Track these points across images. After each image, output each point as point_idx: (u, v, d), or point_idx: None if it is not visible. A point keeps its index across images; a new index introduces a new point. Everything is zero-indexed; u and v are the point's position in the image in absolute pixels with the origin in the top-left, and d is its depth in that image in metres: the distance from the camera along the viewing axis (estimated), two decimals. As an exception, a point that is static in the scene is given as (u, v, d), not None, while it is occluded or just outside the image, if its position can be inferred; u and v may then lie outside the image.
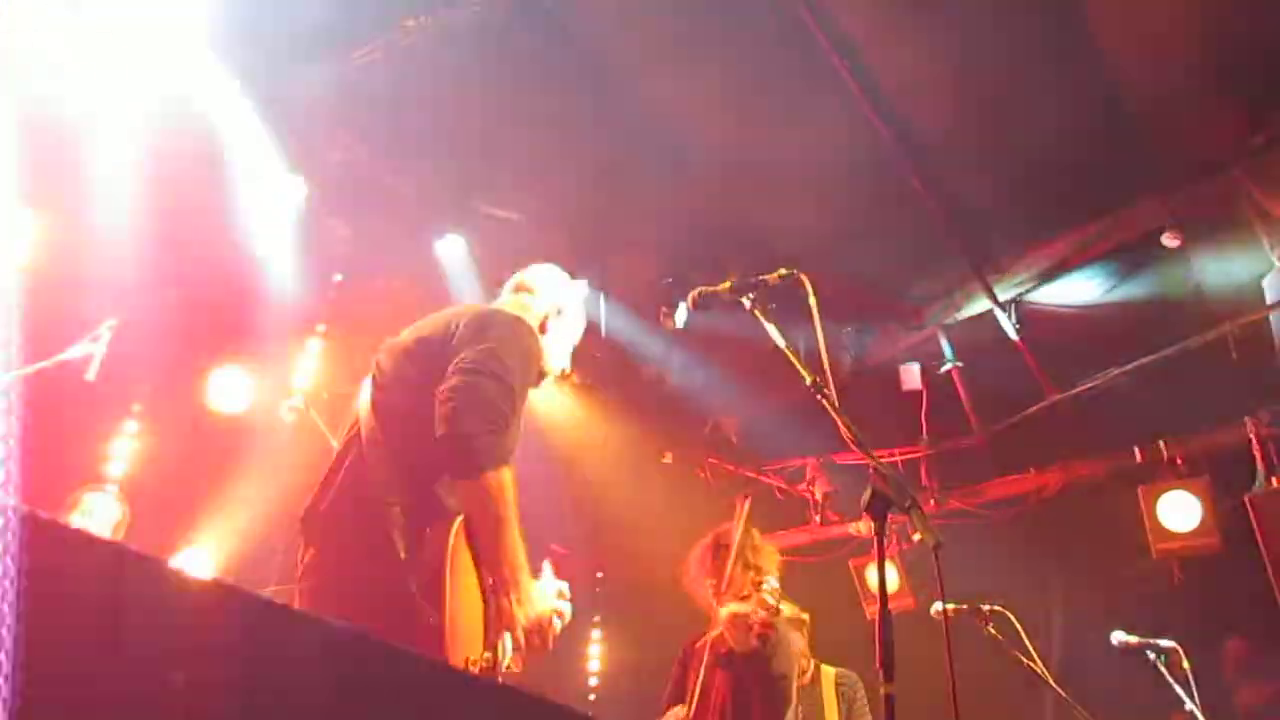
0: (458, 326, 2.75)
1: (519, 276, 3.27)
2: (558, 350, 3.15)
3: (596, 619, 7.56)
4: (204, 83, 5.07)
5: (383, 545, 2.46)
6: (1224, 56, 5.07)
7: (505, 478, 2.53)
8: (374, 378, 2.82)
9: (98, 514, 4.45)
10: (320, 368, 5.94)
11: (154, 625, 0.85)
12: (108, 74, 4.85)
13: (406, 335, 2.89)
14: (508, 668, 2.63)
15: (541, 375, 3.09)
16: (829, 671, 4.74)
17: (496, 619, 2.54)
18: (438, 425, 2.48)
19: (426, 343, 2.79)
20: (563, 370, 3.19)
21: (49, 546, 0.80)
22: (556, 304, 3.17)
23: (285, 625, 0.96)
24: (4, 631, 0.74)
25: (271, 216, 5.73)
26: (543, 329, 3.10)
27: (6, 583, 0.76)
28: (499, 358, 2.60)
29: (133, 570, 0.84)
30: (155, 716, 0.83)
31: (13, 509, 0.77)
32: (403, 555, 2.44)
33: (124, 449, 5.46)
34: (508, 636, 2.60)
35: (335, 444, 2.97)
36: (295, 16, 4.97)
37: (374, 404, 2.74)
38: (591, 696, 7.22)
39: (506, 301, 3.19)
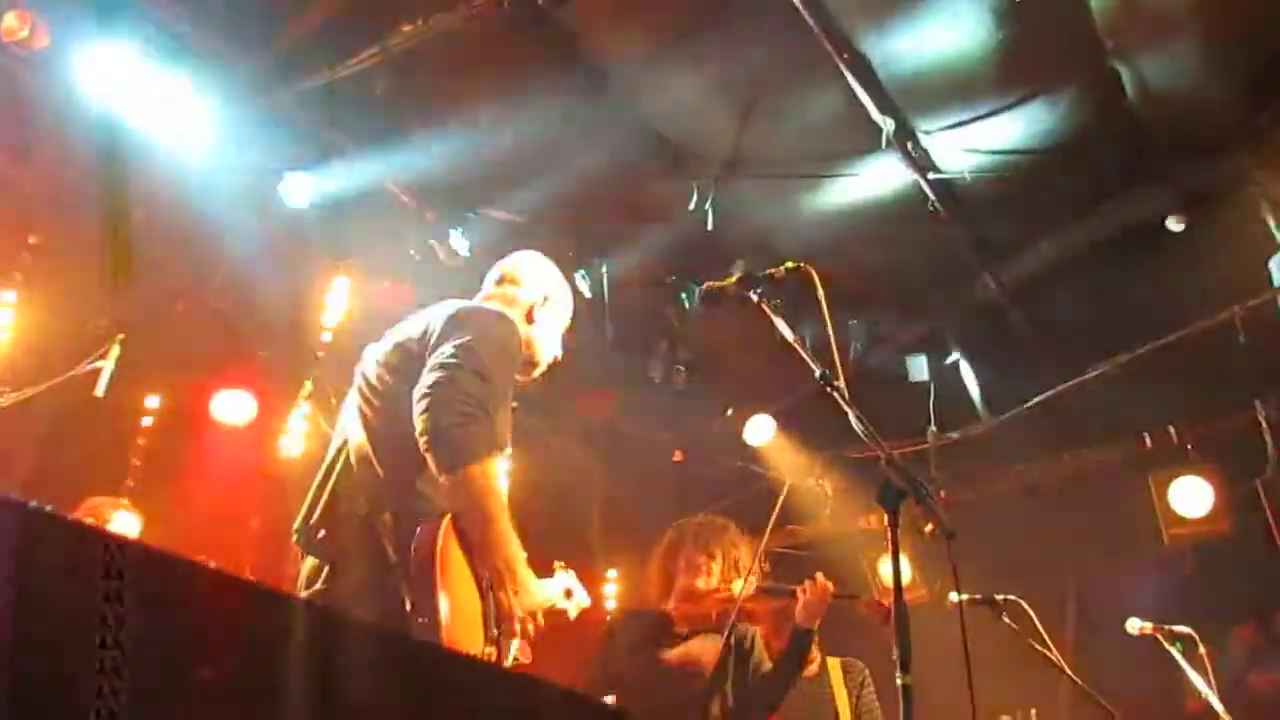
0: (433, 326, 2.75)
1: (502, 266, 3.23)
2: (548, 338, 3.12)
3: (609, 618, 7.55)
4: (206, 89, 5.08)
5: (374, 552, 2.48)
6: (1226, 37, 5.05)
7: (490, 470, 2.51)
8: (357, 385, 2.83)
9: (109, 524, 4.45)
10: (326, 373, 5.95)
11: (168, 621, 0.85)
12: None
13: (385, 340, 2.90)
14: (516, 660, 2.63)
15: (532, 365, 3.08)
16: (834, 662, 4.77)
17: (495, 612, 2.54)
18: (416, 423, 2.48)
19: (404, 346, 2.79)
20: (555, 357, 3.17)
21: (56, 542, 0.81)
22: (543, 292, 3.14)
23: (306, 620, 0.96)
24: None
25: (274, 221, 5.73)
26: (529, 318, 3.08)
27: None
28: (474, 352, 2.60)
29: (143, 565, 0.84)
30: (180, 711, 0.83)
31: (20, 505, 0.78)
32: (393, 559, 2.44)
33: (134, 462, 5.46)
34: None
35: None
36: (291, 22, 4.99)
37: (358, 410, 2.75)
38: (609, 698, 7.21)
39: (490, 293, 3.17)
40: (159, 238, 5.35)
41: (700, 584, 4.11)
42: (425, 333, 2.75)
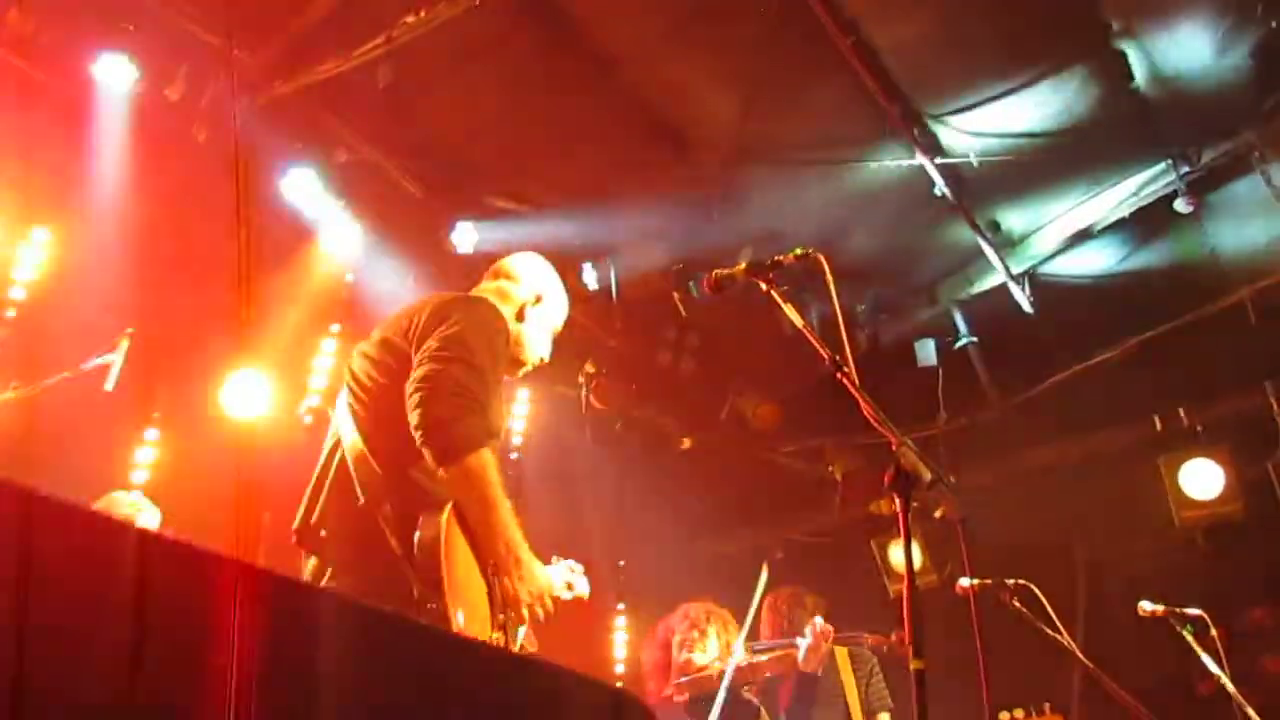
0: (420, 318, 2.76)
1: (499, 263, 3.25)
2: (537, 338, 3.12)
3: (620, 606, 7.57)
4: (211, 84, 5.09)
5: (377, 545, 2.49)
6: (1232, 20, 5.02)
7: (487, 458, 2.53)
8: (348, 384, 2.84)
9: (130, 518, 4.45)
10: (337, 367, 5.96)
11: (185, 610, 0.86)
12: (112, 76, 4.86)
13: (374, 337, 2.91)
14: (523, 647, 2.66)
15: (518, 363, 3.08)
16: (843, 651, 4.79)
17: (500, 599, 2.55)
18: (411, 416, 2.49)
19: (390, 341, 2.80)
20: (541, 359, 3.17)
21: (77, 535, 0.81)
22: (536, 291, 3.15)
23: (321, 606, 0.97)
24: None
25: (281, 218, 5.74)
26: (520, 316, 3.08)
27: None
28: (463, 341, 2.61)
29: (160, 555, 0.85)
30: (193, 696, 0.84)
31: (40, 498, 0.78)
32: (397, 550, 2.46)
33: (146, 456, 5.48)
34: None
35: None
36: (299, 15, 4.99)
37: (350, 409, 2.76)
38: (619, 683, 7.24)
39: (484, 287, 3.17)
40: (166, 232, 5.37)
41: (697, 658, 4.16)
42: (411, 326, 2.76)
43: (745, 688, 4.13)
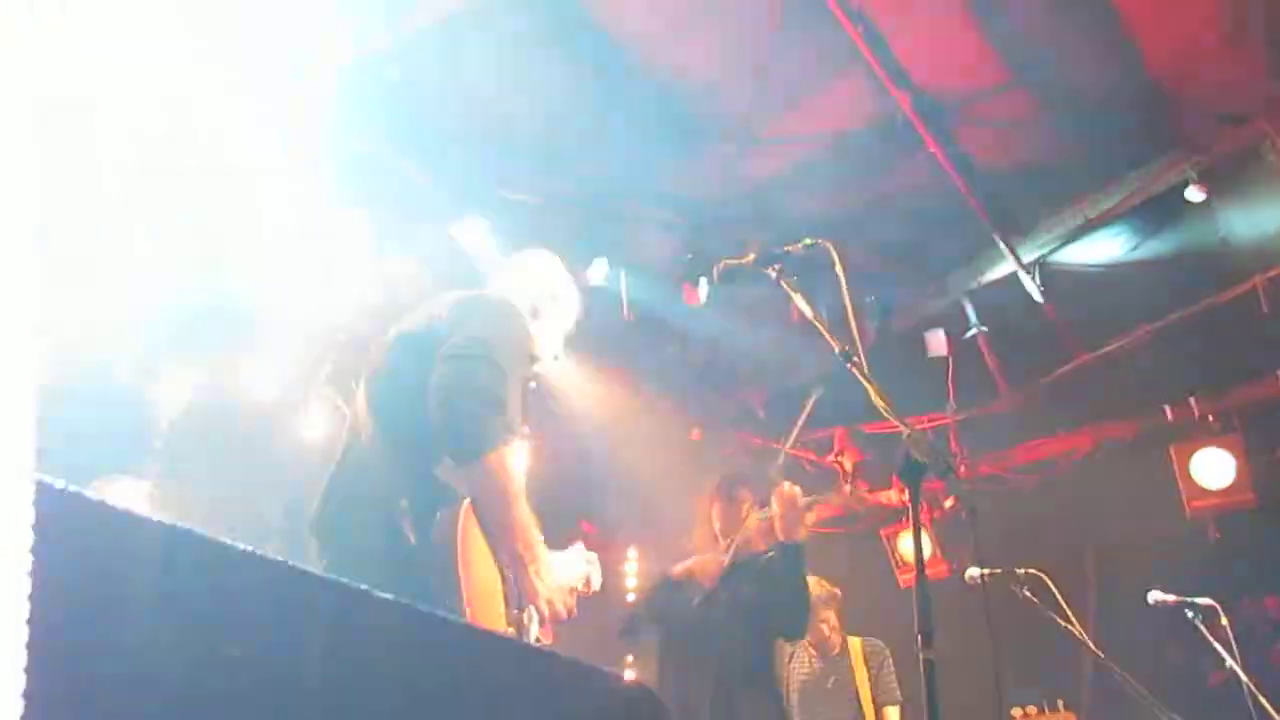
0: (441, 314, 2.76)
1: (512, 259, 3.27)
2: (550, 336, 3.13)
3: (630, 598, 7.59)
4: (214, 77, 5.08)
5: (392, 537, 2.50)
6: (1242, 5, 4.98)
7: (507, 456, 2.55)
8: (365, 378, 2.85)
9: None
10: (349, 360, 5.98)
11: (204, 600, 0.86)
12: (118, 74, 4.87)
13: (392, 331, 2.91)
14: (537, 640, 2.67)
15: (533, 360, 3.09)
16: (855, 641, 4.83)
17: (516, 594, 2.56)
18: (433, 413, 2.50)
19: (412, 335, 2.80)
20: (555, 357, 3.18)
21: (94, 525, 0.82)
22: (549, 290, 3.15)
23: (335, 597, 0.97)
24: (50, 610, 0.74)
25: (289, 211, 5.74)
26: (534, 314, 3.09)
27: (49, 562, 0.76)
28: (485, 340, 2.62)
29: (180, 546, 0.85)
30: (211, 688, 0.84)
31: (57, 488, 0.78)
32: (413, 542, 2.47)
33: (156, 446, 5.50)
34: (533, 610, 2.63)
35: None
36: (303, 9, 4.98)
37: (368, 401, 2.77)
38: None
39: (499, 285, 3.18)
40: (173, 224, 5.38)
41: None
42: (431, 323, 2.76)
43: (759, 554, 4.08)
